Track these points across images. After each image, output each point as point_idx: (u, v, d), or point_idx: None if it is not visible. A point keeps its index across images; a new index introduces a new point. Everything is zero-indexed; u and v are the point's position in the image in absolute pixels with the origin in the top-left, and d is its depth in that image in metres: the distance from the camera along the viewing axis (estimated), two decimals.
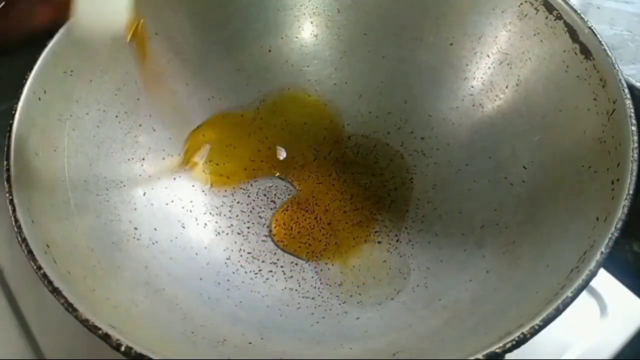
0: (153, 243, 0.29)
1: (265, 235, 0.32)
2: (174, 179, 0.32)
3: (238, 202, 0.33)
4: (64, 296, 0.20)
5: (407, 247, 0.31)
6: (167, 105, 0.31)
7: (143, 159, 0.31)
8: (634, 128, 0.23)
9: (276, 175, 0.34)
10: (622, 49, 0.38)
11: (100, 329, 0.19)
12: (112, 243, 0.27)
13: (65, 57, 0.27)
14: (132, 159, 0.30)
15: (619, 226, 0.21)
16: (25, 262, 0.21)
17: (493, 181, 0.30)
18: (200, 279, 0.29)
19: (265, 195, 0.33)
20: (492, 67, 0.31)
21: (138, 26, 0.25)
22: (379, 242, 0.31)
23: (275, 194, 0.33)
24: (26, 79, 0.26)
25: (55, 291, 0.20)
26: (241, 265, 0.30)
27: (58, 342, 0.30)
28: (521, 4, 0.29)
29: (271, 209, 0.33)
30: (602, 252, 0.21)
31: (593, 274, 0.20)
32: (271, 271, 0.30)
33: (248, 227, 0.32)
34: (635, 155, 0.23)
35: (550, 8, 0.28)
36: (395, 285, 0.29)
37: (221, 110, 0.34)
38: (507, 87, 0.30)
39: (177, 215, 0.31)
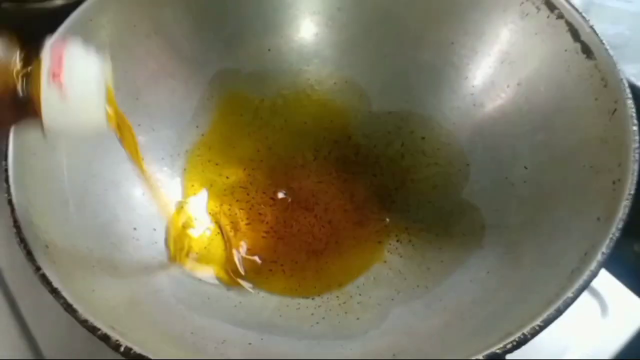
0: (152, 243, 0.29)
1: (266, 233, 0.32)
2: (173, 178, 0.32)
3: (237, 201, 0.33)
4: (63, 297, 0.20)
5: (408, 247, 0.31)
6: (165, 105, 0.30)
7: (142, 159, 0.31)
8: (635, 128, 0.23)
9: (276, 174, 0.34)
10: (623, 49, 0.38)
11: (99, 329, 0.19)
12: (111, 243, 0.27)
13: None
14: None
15: (620, 226, 0.21)
16: (24, 262, 0.21)
17: (494, 181, 0.30)
18: (200, 279, 0.29)
19: (264, 193, 0.33)
20: (493, 67, 0.31)
21: (117, 116, 0.22)
22: (379, 242, 0.31)
23: (274, 192, 0.33)
24: None
25: (55, 292, 0.20)
26: (241, 264, 0.30)
27: (57, 342, 0.30)
28: (522, 2, 0.29)
29: (271, 206, 0.33)
30: (603, 253, 0.21)
31: (594, 275, 0.20)
32: (271, 270, 0.30)
33: (248, 225, 0.32)
34: (637, 156, 0.23)
35: (551, 7, 0.28)
36: (395, 286, 0.29)
37: (220, 109, 0.34)
38: (508, 86, 0.30)
39: None
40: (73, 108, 0.19)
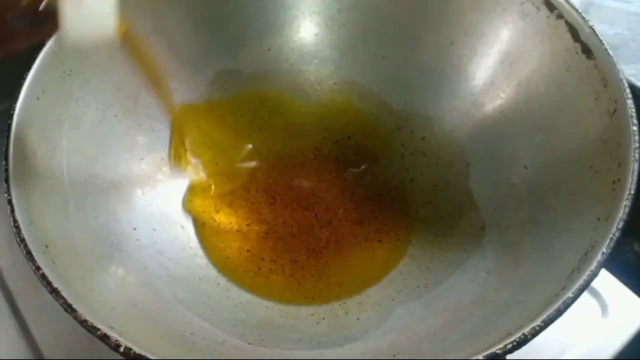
0: (152, 243, 0.29)
1: (265, 233, 0.32)
2: (174, 178, 0.32)
3: (237, 199, 0.33)
4: (63, 296, 0.20)
5: (408, 246, 0.31)
6: (167, 103, 0.31)
7: (142, 159, 0.31)
8: (635, 128, 0.23)
9: (276, 174, 0.34)
10: (623, 49, 0.38)
11: (99, 329, 0.19)
12: (111, 243, 0.27)
13: (64, 56, 0.27)
14: (131, 158, 0.30)
15: (620, 226, 0.21)
16: (24, 262, 0.21)
17: (494, 181, 0.30)
18: (200, 279, 0.29)
19: (264, 192, 0.33)
20: (493, 67, 0.31)
21: (127, 30, 0.25)
22: (379, 241, 0.31)
23: (275, 191, 0.33)
24: (25, 79, 0.26)
25: (54, 291, 0.20)
26: (240, 264, 0.30)
27: (57, 342, 0.30)
28: (522, 3, 0.29)
29: (271, 205, 0.33)
30: (603, 253, 0.21)
31: (594, 275, 0.20)
32: (271, 269, 0.30)
33: (248, 225, 0.32)
34: (637, 155, 0.23)
35: (551, 7, 0.28)
36: (396, 286, 0.29)
37: (220, 110, 0.34)
38: (508, 86, 0.30)
39: (176, 215, 0.31)
40: (87, 14, 0.21)
